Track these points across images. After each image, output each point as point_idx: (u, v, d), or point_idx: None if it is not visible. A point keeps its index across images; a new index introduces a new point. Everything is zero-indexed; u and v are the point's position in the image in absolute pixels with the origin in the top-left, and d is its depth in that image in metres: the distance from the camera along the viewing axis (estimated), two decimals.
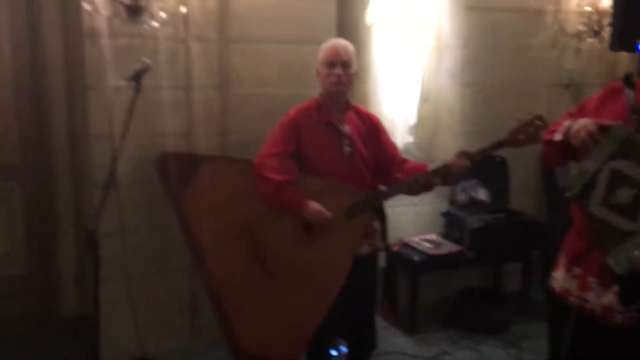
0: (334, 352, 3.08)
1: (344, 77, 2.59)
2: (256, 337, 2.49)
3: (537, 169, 4.05)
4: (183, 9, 2.92)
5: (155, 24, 2.86)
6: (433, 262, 3.48)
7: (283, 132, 2.60)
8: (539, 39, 3.91)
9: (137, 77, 2.27)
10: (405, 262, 3.53)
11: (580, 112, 2.03)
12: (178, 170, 2.64)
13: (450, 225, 3.74)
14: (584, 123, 1.85)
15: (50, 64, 3.35)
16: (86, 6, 2.75)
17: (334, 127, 2.62)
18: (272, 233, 2.53)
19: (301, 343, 2.49)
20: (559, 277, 2.08)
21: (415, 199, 3.73)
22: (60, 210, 3.51)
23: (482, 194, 3.82)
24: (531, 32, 3.89)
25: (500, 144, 2.46)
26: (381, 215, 2.76)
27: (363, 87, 3.52)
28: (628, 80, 1.94)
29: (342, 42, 2.67)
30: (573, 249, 2.03)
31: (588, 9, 3.82)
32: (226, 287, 2.52)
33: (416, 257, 3.49)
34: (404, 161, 2.74)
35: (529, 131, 2.43)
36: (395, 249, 3.61)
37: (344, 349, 3.03)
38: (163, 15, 2.87)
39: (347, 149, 2.61)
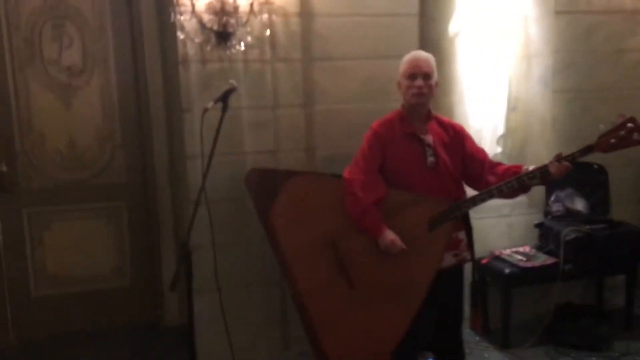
0: None
1: (425, 89, 2.61)
2: (342, 348, 2.54)
3: None
4: (268, 32, 3.06)
5: (242, 47, 3.02)
6: (526, 275, 3.36)
7: (369, 146, 2.66)
8: (638, 40, 3.70)
9: (223, 98, 2.41)
10: (496, 275, 3.43)
11: None
12: (266, 185, 2.77)
13: (545, 237, 3.59)
14: None
15: (151, 91, 3.62)
16: (180, 35, 2.96)
17: (417, 137, 2.64)
18: (356, 246, 2.58)
19: (385, 354, 2.50)
20: None
21: (505, 210, 3.69)
22: (162, 226, 3.76)
23: (579, 204, 3.65)
24: (629, 33, 3.69)
25: (588, 149, 2.38)
26: (467, 226, 2.74)
27: (448, 98, 3.50)
28: None
29: (423, 54, 2.69)
30: None
31: None
32: (312, 298, 2.59)
33: (507, 270, 3.38)
34: (495, 165, 2.71)
35: (621, 135, 2.33)
36: (485, 261, 3.53)
37: None
38: (249, 39, 3.02)
39: (430, 159, 2.62)
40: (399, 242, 2.53)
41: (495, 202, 3.46)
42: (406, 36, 3.31)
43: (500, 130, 3.61)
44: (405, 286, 2.50)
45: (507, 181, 2.50)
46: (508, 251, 3.57)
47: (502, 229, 3.71)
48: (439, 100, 3.50)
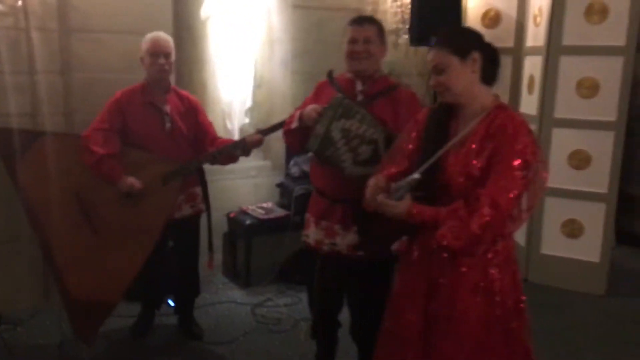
0: (170, 302, 3.57)
1: (166, 66, 3.06)
2: (83, 286, 2.92)
3: None
4: (20, 2, 3.26)
5: None
6: (263, 226, 4.03)
7: (109, 110, 3.05)
8: None
9: None
10: (240, 226, 4.07)
11: (303, 106, 2.62)
12: (13, 144, 3.01)
13: (283, 194, 4.31)
14: (311, 107, 2.47)
15: None
16: None
17: (156, 106, 3.09)
18: (98, 198, 2.97)
19: (121, 287, 2.94)
20: (311, 234, 2.66)
21: (252, 172, 4.33)
22: None
23: None
24: None
25: (277, 126, 2.97)
26: (202, 182, 3.27)
27: (201, 75, 4.00)
28: (331, 76, 2.61)
29: (164, 35, 3.12)
30: (318, 209, 2.62)
31: (397, 9, 4.48)
32: (57, 245, 2.93)
33: (248, 222, 4.03)
34: (216, 138, 3.26)
35: None
36: (233, 215, 4.15)
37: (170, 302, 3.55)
38: (2, 7, 3.20)
39: (167, 125, 3.09)
40: (137, 183, 2.94)
41: (243, 165, 4.13)
42: (161, 16, 3.71)
43: (248, 103, 4.22)
44: (140, 231, 2.95)
45: (217, 150, 3.07)
46: (253, 207, 4.22)
47: (249, 188, 4.36)
48: (193, 76, 4.01)
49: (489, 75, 1.92)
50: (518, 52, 4.38)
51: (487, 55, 1.91)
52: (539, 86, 4.03)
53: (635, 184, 4.95)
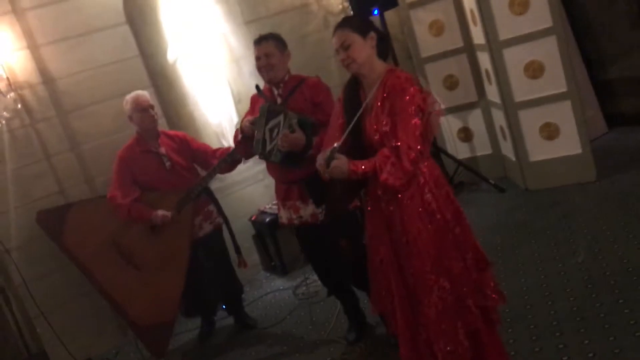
0: (223, 307, 4.13)
1: (155, 115, 3.61)
2: (144, 314, 3.51)
3: None
4: (19, 105, 3.84)
5: (2, 121, 3.79)
6: None
7: (117, 171, 3.61)
8: (312, 25, 4.97)
9: None
10: (264, 225, 4.58)
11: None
12: (53, 220, 3.62)
13: None
14: (246, 119, 3.07)
15: None
16: None
17: (153, 152, 3.63)
18: (131, 240, 3.55)
19: (174, 307, 3.53)
20: (282, 215, 3.23)
21: (260, 176, 4.83)
22: None
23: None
24: (304, 22, 4.94)
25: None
26: (212, 199, 3.79)
27: (186, 109, 4.52)
28: (258, 89, 3.14)
29: (141, 92, 3.67)
30: (280, 194, 3.17)
31: None
32: (112, 287, 3.54)
33: (268, 219, 4.53)
34: (216, 150, 3.79)
35: None
36: (254, 218, 4.66)
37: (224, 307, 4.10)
38: (6, 114, 3.79)
39: (167, 163, 3.63)
40: (167, 213, 3.49)
41: (250, 173, 4.65)
42: (136, 74, 4.26)
43: (235, 119, 4.71)
44: (172, 256, 3.52)
45: (211, 170, 3.57)
46: (269, 205, 4.72)
47: (262, 190, 4.84)
48: (180, 113, 4.53)
49: (382, 51, 2.37)
50: None
51: (379, 36, 2.35)
52: (479, 16, 4.38)
53: (605, 70, 5.21)
